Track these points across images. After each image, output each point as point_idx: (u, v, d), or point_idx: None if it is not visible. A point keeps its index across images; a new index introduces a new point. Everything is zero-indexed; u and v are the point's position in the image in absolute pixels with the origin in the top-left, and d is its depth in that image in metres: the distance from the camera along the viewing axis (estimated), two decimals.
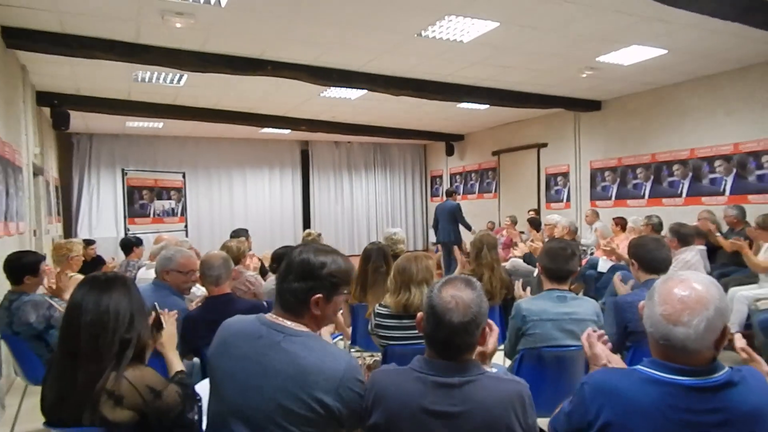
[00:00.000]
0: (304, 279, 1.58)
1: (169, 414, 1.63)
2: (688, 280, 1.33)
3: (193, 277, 3.12)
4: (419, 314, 1.57)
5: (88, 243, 6.60)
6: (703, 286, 1.31)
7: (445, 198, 9.28)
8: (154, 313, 2.04)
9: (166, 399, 1.63)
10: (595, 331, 1.78)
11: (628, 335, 2.60)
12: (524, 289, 3.16)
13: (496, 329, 1.67)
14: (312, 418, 1.46)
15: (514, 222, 8.79)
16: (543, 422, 1.57)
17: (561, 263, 2.69)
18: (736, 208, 5.88)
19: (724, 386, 1.29)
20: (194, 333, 2.70)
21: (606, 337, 1.80)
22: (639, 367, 1.36)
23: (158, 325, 2.03)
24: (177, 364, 1.97)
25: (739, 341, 1.68)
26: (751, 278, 4.85)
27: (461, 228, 8.44)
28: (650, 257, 2.76)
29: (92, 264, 6.11)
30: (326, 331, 2.10)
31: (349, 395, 1.48)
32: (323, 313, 1.60)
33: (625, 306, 2.64)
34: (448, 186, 12.64)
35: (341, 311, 2.12)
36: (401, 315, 2.70)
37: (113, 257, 5.92)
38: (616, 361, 1.64)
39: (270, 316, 1.61)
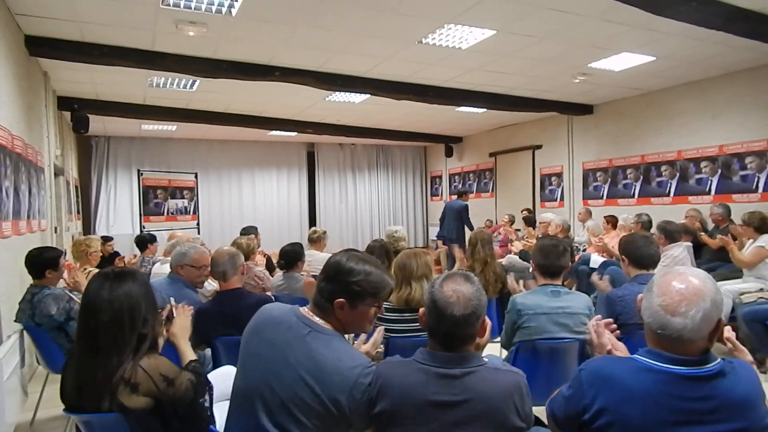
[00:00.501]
0: (330, 281, 1.58)
1: (182, 400, 1.62)
2: (685, 273, 1.34)
3: (205, 271, 3.13)
4: (421, 309, 1.56)
5: (106, 239, 6.60)
6: (700, 280, 1.31)
7: (455, 197, 9.23)
8: (168, 306, 2.04)
9: (179, 386, 1.62)
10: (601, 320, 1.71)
11: (618, 327, 2.58)
12: (517, 283, 3.17)
13: (489, 322, 1.67)
14: (323, 413, 1.45)
15: (511, 220, 8.76)
16: (537, 410, 1.56)
17: (553, 259, 2.69)
18: (721, 206, 5.85)
19: (716, 376, 1.29)
20: (205, 325, 2.70)
21: (614, 325, 1.76)
22: (635, 356, 1.36)
23: (170, 317, 2.03)
24: (189, 354, 1.96)
25: (727, 332, 1.68)
26: (735, 273, 4.83)
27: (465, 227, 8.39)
28: (639, 254, 2.76)
29: (110, 259, 6.11)
30: (362, 344, 1.93)
31: (360, 397, 1.46)
32: (347, 319, 1.58)
33: (615, 299, 2.64)
34: (448, 186, 12.65)
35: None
36: (403, 309, 2.69)
37: (135, 254, 5.91)
38: (622, 349, 1.63)
39: (303, 310, 1.61)
